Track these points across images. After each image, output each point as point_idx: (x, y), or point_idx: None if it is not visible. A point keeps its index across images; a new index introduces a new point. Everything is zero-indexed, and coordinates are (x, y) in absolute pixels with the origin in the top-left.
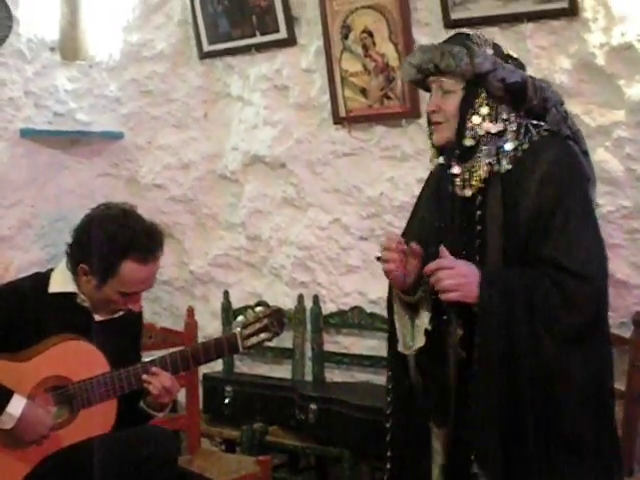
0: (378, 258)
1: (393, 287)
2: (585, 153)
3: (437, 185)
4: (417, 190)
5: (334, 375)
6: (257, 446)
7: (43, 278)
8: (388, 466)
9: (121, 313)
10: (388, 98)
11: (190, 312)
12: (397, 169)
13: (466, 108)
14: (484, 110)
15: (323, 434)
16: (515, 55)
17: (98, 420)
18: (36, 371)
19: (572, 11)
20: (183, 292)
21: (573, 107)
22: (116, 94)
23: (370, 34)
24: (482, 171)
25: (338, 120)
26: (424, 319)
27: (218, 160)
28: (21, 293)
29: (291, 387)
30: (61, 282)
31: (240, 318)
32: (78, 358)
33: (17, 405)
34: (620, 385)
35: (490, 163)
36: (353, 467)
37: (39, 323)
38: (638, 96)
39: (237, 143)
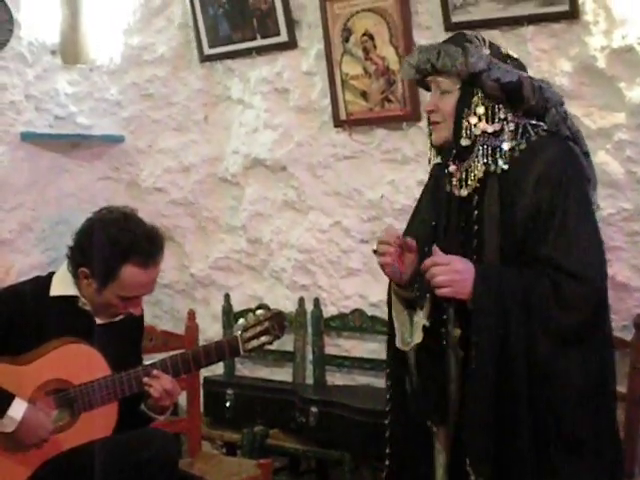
0: (375, 251)
1: (390, 282)
2: (586, 154)
3: (434, 185)
4: (418, 193)
5: (335, 378)
6: (258, 449)
7: (44, 281)
8: (387, 463)
9: (122, 317)
10: (389, 101)
11: (191, 315)
12: (398, 172)
13: (462, 108)
14: (480, 110)
15: (324, 437)
16: (515, 55)
17: (99, 423)
18: (37, 374)
19: (573, 14)
20: (184, 295)
21: (574, 110)
22: (117, 97)
23: (371, 37)
24: (478, 171)
25: (339, 123)
26: (422, 316)
27: (219, 163)
28: (22, 296)
29: (292, 390)
30: (62, 285)
31: (241, 321)
32: (79, 361)
33: (18, 408)
34: (621, 388)
35: (486, 163)
36: (354, 470)
37: (40, 326)
38: (638, 99)
39: (238, 146)
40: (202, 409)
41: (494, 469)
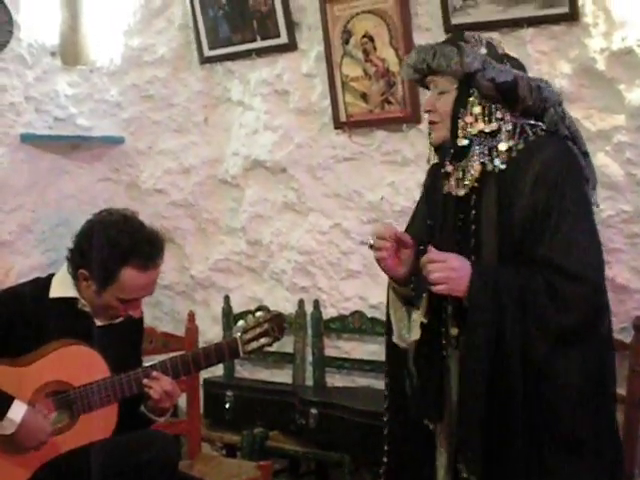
0: (371, 246)
1: (388, 278)
2: (585, 154)
3: (430, 184)
4: (418, 195)
5: (335, 380)
6: (258, 451)
7: (44, 283)
8: (385, 460)
9: (122, 319)
10: (389, 103)
11: (191, 317)
12: (398, 174)
13: (459, 108)
14: (476, 109)
15: (324, 439)
16: (513, 55)
17: (99, 425)
18: (37, 376)
19: (572, 16)
20: (184, 297)
21: (574, 112)
22: (117, 99)
23: (371, 39)
24: (475, 170)
25: (339, 125)
26: (420, 313)
27: (219, 165)
28: (22, 298)
29: (292, 392)
30: (62, 287)
31: (240, 323)
32: (79, 363)
33: (18, 411)
34: (621, 390)
35: (483, 162)
36: (354, 472)
37: (40, 328)
38: (638, 101)
39: (238, 148)
40: (202, 411)
41: (489, 468)
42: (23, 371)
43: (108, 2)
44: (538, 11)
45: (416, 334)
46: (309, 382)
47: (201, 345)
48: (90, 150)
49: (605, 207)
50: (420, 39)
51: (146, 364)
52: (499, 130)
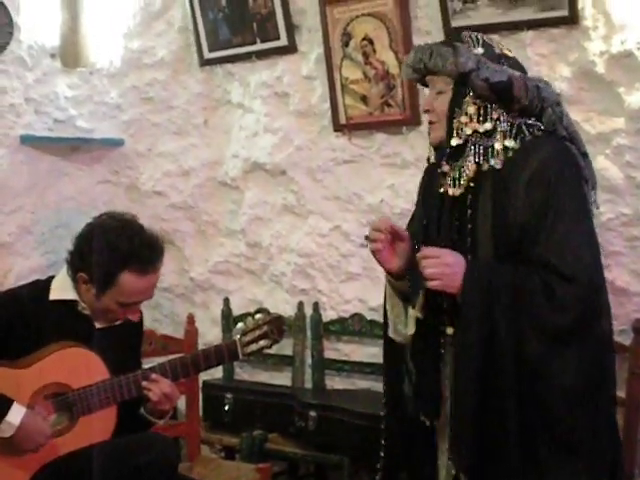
0: (366, 238)
1: (384, 272)
2: (584, 154)
3: (426, 184)
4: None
5: (334, 382)
6: (257, 453)
7: (44, 285)
8: (382, 454)
9: (121, 321)
10: (388, 105)
11: (190, 319)
12: (397, 176)
13: (454, 107)
14: (471, 109)
15: (323, 441)
16: (510, 54)
17: (98, 427)
18: (36, 378)
19: (572, 19)
20: (183, 299)
21: (573, 115)
22: (116, 101)
23: (370, 42)
24: (469, 170)
25: (338, 127)
26: (416, 309)
27: (218, 167)
28: (21, 300)
29: (291, 394)
30: (62, 290)
31: (240, 325)
32: (78, 365)
33: (17, 413)
34: (620, 392)
35: (478, 162)
36: (353, 475)
37: (39, 330)
38: (638, 104)
39: (237, 150)
40: (201, 413)
41: (482, 467)
42: (22, 373)
43: (108, 4)
44: (538, 14)
45: (411, 329)
46: (308, 384)
47: (200, 347)
48: (90, 152)
49: (605, 210)
50: (420, 42)
51: (145, 366)
52: (495, 130)
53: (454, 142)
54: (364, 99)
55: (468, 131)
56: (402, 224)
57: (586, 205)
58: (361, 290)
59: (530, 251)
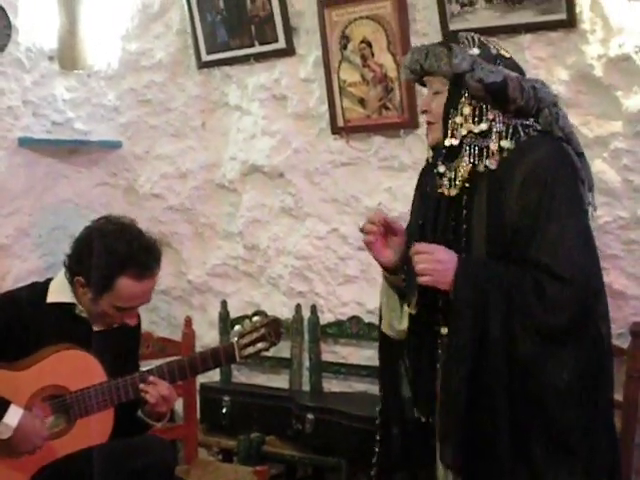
0: (361, 230)
1: (380, 266)
2: (580, 154)
3: (423, 184)
4: None
5: (332, 385)
6: (254, 456)
7: (41, 288)
8: (376, 449)
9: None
10: (386, 108)
11: (188, 322)
12: (395, 179)
13: (449, 108)
14: (466, 110)
15: (320, 444)
16: (507, 55)
17: (95, 430)
18: (34, 380)
19: (570, 23)
20: (181, 302)
21: (571, 118)
22: (114, 103)
23: (369, 44)
24: (464, 170)
25: (336, 130)
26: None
27: (216, 169)
28: (19, 302)
29: (288, 397)
30: (59, 292)
31: (237, 328)
32: (75, 367)
33: (14, 415)
34: (617, 395)
35: (473, 163)
36: (351, 477)
37: (37, 333)
38: (635, 107)
39: (235, 153)
40: (198, 416)
41: (473, 466)
42: (20, 375)
43: (106, 7)
44: (536, 17)
45: (404, 324)
46: (306, 387)
47: (198, 350)
48: (87, 154)
49: (602, 213)
50: (418, 45)
51: (143, 369)
52: (490, 130)
53: (449, 143)
54: (362, 102)
55: (463, 132)
56: None
57: (582, 206)
58: (359, 293)
59: (524, 251)
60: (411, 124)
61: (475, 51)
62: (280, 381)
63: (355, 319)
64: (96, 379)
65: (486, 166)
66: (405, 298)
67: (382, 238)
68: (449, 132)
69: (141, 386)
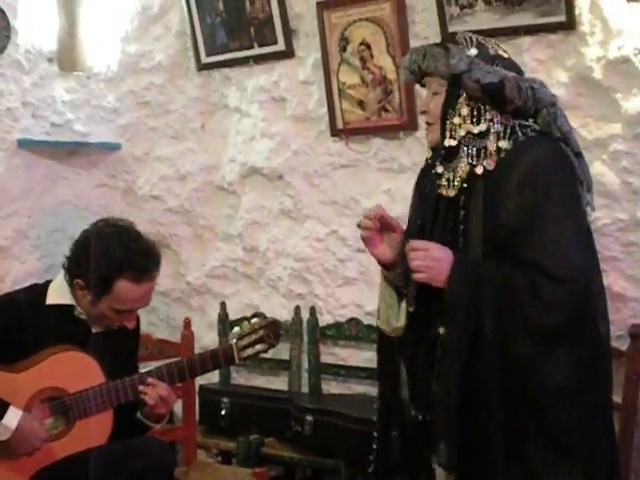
0: (358, 225)
1: (377, 262)
2: (578, 154)
3: (420, 183)
4: None
5: (331, 387)
6: (253, 458)
7: (40, 290)
8: (374, 446)
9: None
10: (385, 110)
11: (187, 323)
12: (394, 181)
13: (447, 109)
14: (464, 111)
15: (319, 446)
16: (505, 55)
17: (94, 431)
18: (33, 382)
19: (569, 25)
20: (180, 303)
21: (570, 120)
22: (114, 105)
23: (368, 47)
24: (462, 171)
25: (335, 132)
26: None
27: (215, 171)
28: (18, 304)
29: (287, 399)
30: (58, 294)
31: (236, 329)
32: (74, 369)
33: (13, 417)
34: (616, 397)
35: (471, 163)
36: (350, 479)
37: (36, 334)
38: (635, 109)
39: (234, 155)
40: (197, 417)
41: (467, 467)
42: (19, 377)
43: (106, 8)
44: (535, 19)
45: (401, 321)
46: (305, 389)
47: (197, 351)
48: (87, 156)
49: (601, 215)
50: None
51: (142, 370)
52: (488, 131)
53: (447, 143)
54: (361, 104)
55: (462, 132)
56: None
57: (579, 206)
58: (358, 295)
59: (521, 252)
60: (410, 126)
61: (473, 51)
62: (279, 383)
63: (354, 321)
64: (95, 381)
65: (484, 167)
66: (403, 295)
67: (378, 234)
68: (447, 133)
69: (140, 388)
